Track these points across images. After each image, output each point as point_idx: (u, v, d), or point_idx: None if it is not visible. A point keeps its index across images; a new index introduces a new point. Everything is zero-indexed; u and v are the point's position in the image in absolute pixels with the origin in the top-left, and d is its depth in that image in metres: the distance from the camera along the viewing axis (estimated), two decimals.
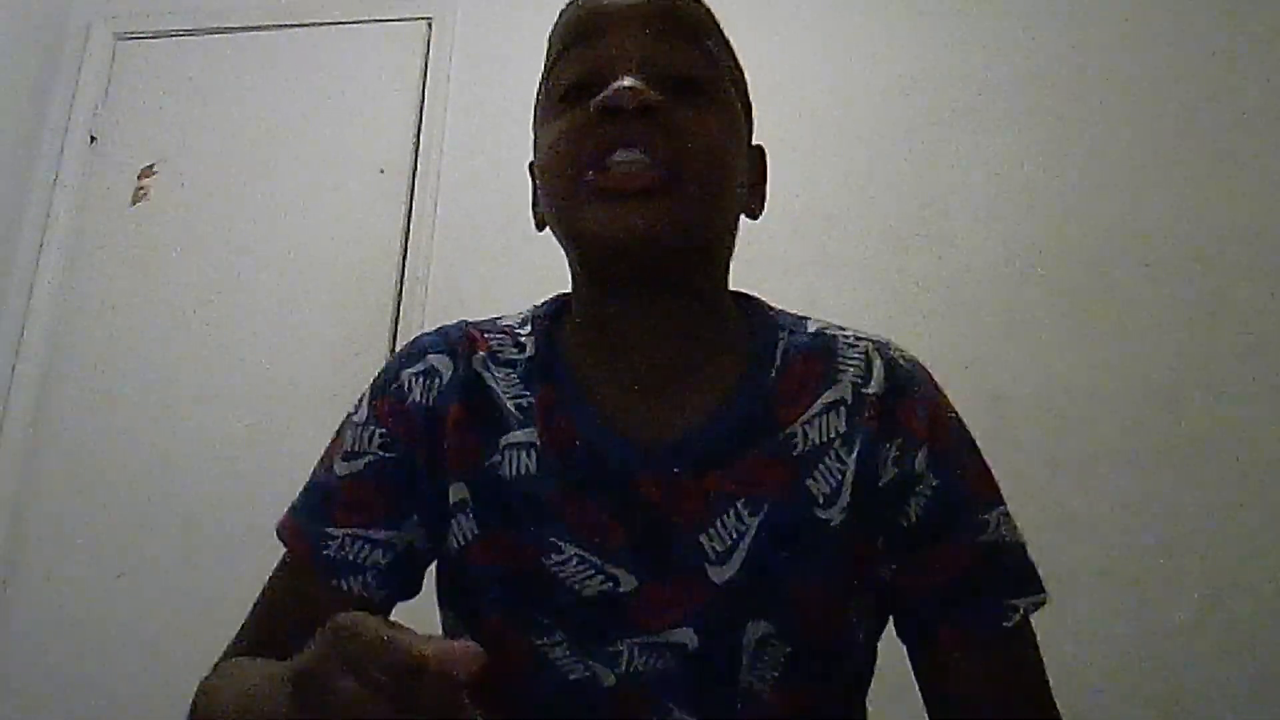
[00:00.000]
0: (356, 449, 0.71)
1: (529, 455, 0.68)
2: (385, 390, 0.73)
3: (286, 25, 2.43)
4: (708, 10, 0.70)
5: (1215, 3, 2.02)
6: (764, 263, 2.15)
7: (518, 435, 0.69)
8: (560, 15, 0.69)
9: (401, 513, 0.70)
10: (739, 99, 0.71)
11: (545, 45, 0.70)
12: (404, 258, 2.21)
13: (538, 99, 0.71)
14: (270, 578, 0.74)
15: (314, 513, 0.72)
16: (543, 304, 0.77)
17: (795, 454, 0.67)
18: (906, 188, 2.04)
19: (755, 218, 0.73)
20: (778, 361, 0.71)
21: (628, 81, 0.61)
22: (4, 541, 2.17)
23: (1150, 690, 1.70)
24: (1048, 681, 0.70)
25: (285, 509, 0.76)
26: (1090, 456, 1.82)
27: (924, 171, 2.04)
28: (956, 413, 0.75)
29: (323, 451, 0.75)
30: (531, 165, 0.72)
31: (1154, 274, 1.89)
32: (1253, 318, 1.84)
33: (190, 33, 2.48)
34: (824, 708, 0.68)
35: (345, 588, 0.68)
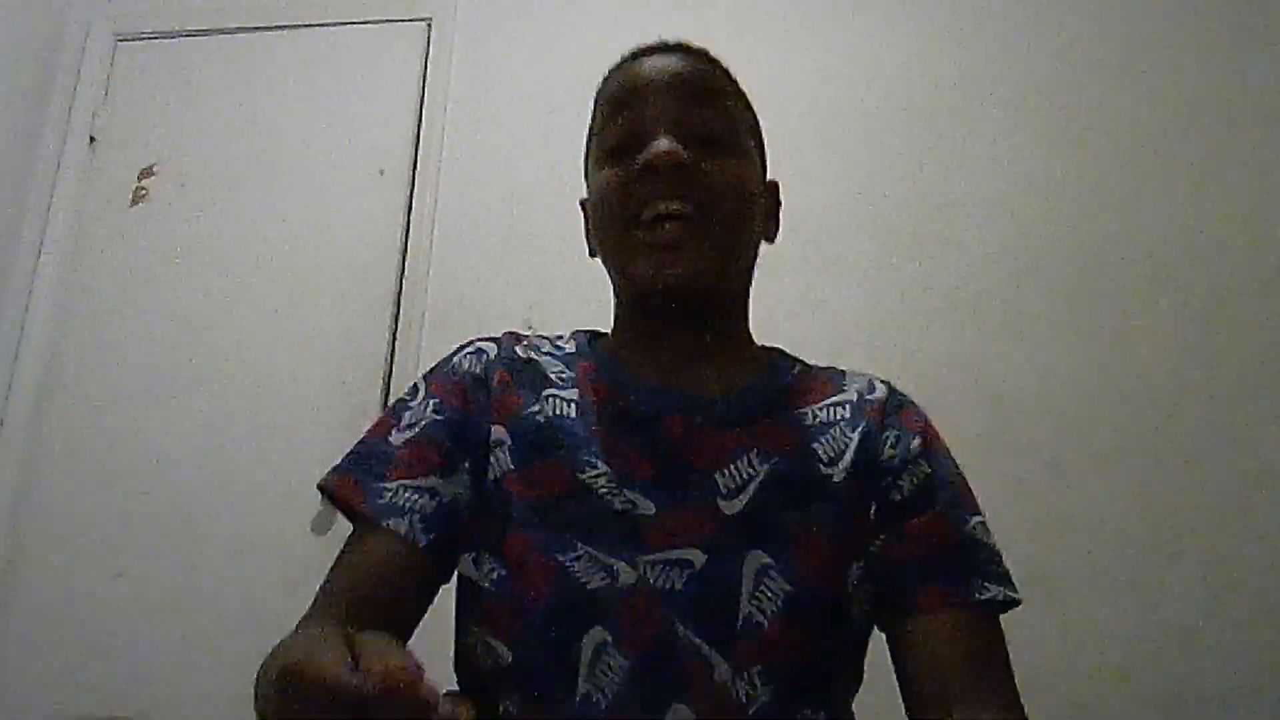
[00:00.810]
0: (413, 420, 0.79)
1: (569, 405, 0.79)
2: (439, 370, 0.84)
3: (286, 25, 2.43)
4: (728, 75, 0.84)
5: (1215, 3, 2.02)
6: (764, 263, 2.15)
7: (560, 392, 0.81)
8: (604, 81, 0.84)
9: (451, 466, 0.77)
10: (755, 147, 0.84)
11: (592, 103, 0.85)
12: (404, 258, 2.21)
13: (588, 150, 0.84)
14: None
15: (366, 469, 0.78)
16: (576, 330, 0.90)
17: (805, 425, 0.79)
18: (906, 188, 2.04)
19: (772, 242, 0.87)
20: (793, 373, 0.85)
21: (663, 144, 0.75)
22: (4, 541, 2.17)
23: (1150, 690, 1.70)
24: (1013, 674, 0.74)
25: (329, 471, 0.80)
26: (1090, 456, 1.82)
27: (924, 171, 2.04)
28: (943, 440, 0.83)
29: (367, 429, 0.82)
30: (583, 203, 0.86)
31: (1154, 274, 1.89)
32: (1253, 318, 1.84)
33: (190, 33, 2.48)
34: (816, 660, 0.73)
35: (392, 525, 0.73)
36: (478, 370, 0.82)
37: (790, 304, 1.97)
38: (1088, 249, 1.93)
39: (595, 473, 0.75)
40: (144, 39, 2.50)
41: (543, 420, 0.78)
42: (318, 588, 0.76)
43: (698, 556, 0.72)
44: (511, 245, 2.16)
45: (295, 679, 0.42)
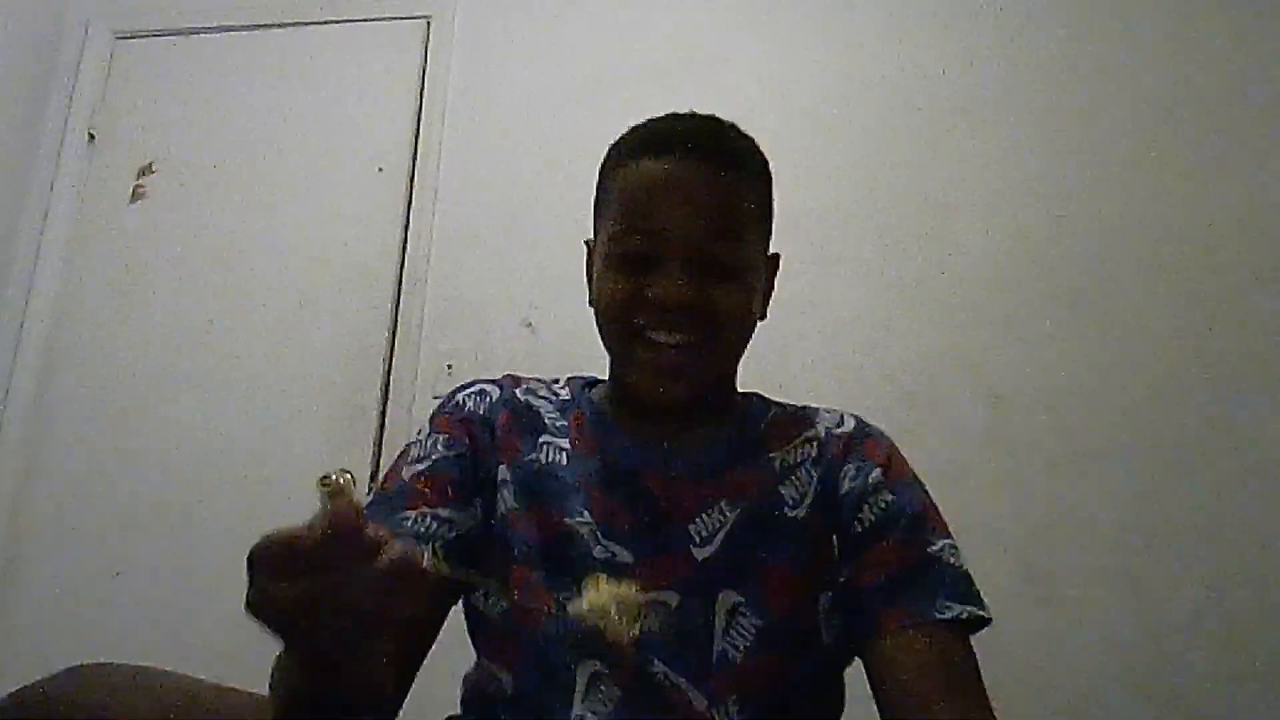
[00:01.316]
0: (422, 454, 0.84)
1: (560, 454, 0.85)
2: (444, 409, 0.88)
3: (286, 23, 2.43)
4: (752, 171, 0.83)
5: (1216, 3, 2.02)
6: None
7: (553, 439, 0.86)
8: (623, 164, 0.83)
9: (465, 497, 0.82)
10: (763, 241, 0.85)
11: (602, 177, 0.85)
12: (403, 258, 2.20)
13: (598, 211, 0.86)
14: None
15: (384, 505, 0.81)
16: (571, 377, 0.94)
17: (773, 470, 0.83)
18: (907, 187, 2.03)
19: (763, 320, 0.87)
20: (767, 418, 0.89)
21: (671, 285, 0.77)
22: (4, 541, 2.17)
23: (1150, 688, 1.70)
24: (983, 687, 0.76)
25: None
26: (1089, 455, 1.82)
27: (924, 171, 2.04)
28: (912, 470, 0.86)
29: (380, 481, 0.87)
30: (589, 243, 0.88)
31: (1154, 274, 1.89)
32: (1253, 318, 1.84)
33: (190, 32, 2.48)
34: (790, 686, 0.77)
35: None
36: (482, 410, 0.87)
37: (790, 303, 1.96)
38: (1088, 249, 1.93)
39: (581, 520, 0.80)
40: (143, 37, 2.50)
41: (537, 467, 0.84)
42: None
43: (672, 597, 0.77)
44: (511, 244, 2.15)
45: (253, 555, 0.46)
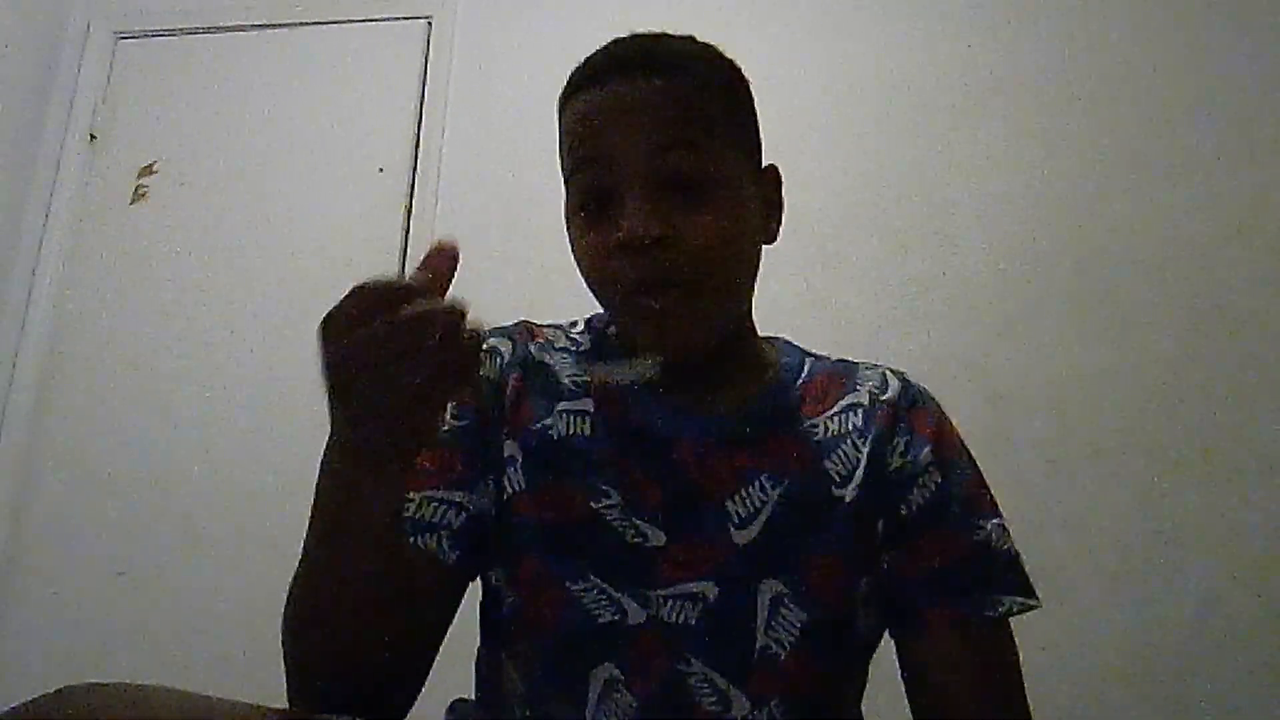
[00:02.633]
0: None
1: (583, 420, 0.76)
2: None
3: (286, 24, 2.43)
4: (704, 76, 0.74)
5: (1216, 2, 2.02)
6: (764, 263, 2.15)
7: (573, 404, 0.77)
8: (565, 102, 0.74)
9: (474, 475, 0.74)
10: (745, 155, 0.75)
11: (555, 102, 0.76)
12: (404, 258, 2.21)
13: (565, 172, 0.75)
14: None
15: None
16: (592, 315, 0.84)
17: (816, 440, 0.76)
18: (906, 188, 2.03)
19: (772, 242, 0.78)
20: (804, 374, 0.80)
21: (635, 219, 0.68)
22: (4, 541, 2.17)
23: (1150, 688, 1.70)
24: (1023, 684, 0.72)
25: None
26: (1090, 455, 1.82)
27: (924, 171, 2.04)
28: (961, 437, 0.81)
29: None
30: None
31: (1154, 274, 1.89)
32: (1253, 318, 1.84)
33: (190, 32, 2.47)
34: (832, 682, 0.72)
35: (421, 544, 0.71)
36: (493, 375, 0.78)
37: (791, 303, 1.97)
38: (1088, 249, 1.93)
39: (608, 503, 0.73)
40: (144, 37, 2.50)
41: (555, 438, 0.75)
42: None
43: (710, 589, 0.71)
44: (511, 244, 2.15)
45: (332, 313, 0.50)
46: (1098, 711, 1.70)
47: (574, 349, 0.81)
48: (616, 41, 0.77)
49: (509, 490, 0.74)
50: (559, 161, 0.78)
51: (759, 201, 0.77)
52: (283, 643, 0.65)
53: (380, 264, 2.22)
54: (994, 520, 0.77)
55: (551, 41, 2.27)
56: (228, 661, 1.91)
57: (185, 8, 2.49)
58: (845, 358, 0.84)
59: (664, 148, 0.69)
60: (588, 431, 0.75)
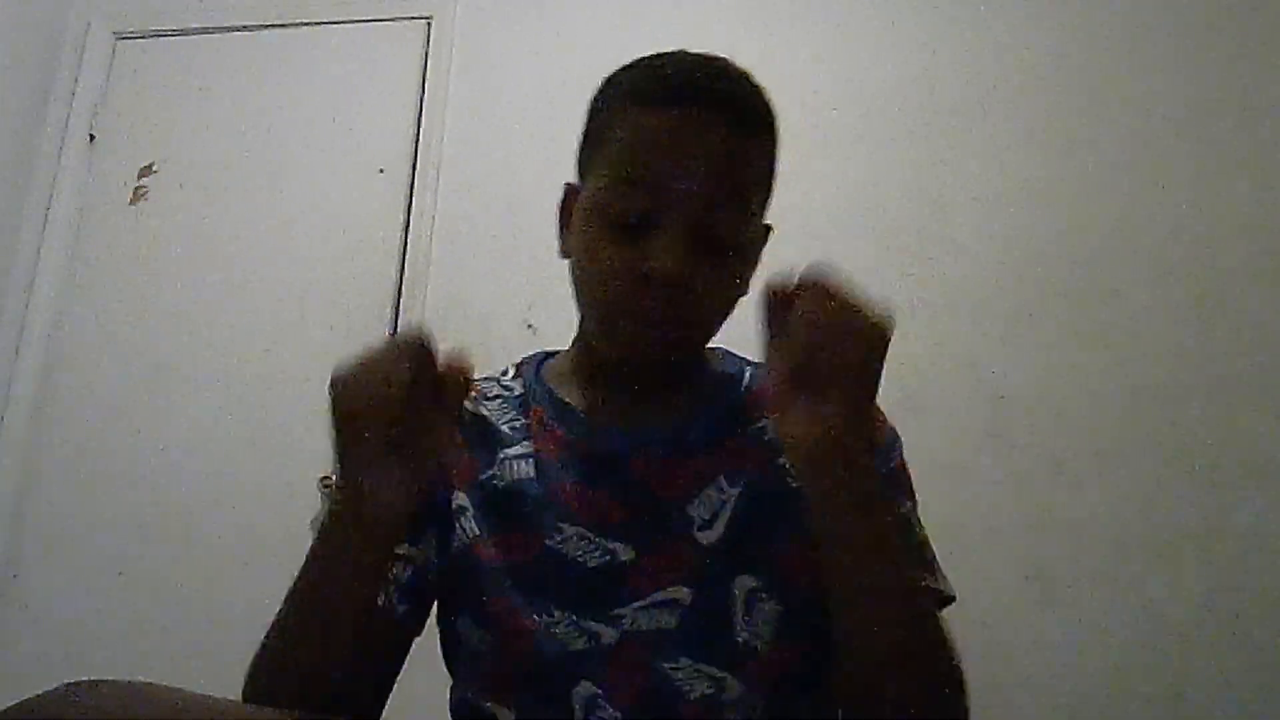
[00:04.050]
0: None
1: (527, 463, 0.77)
2: None
3: (286, 25, 2.43)
4: (765, 142, 0.75)
5: (1216, 3, 2.02)
6: (764, 263, 2.15)
7: (514, 450, 0.78)
8: (624, 101, 0.74)
9: (419, 532, 0.76)
10: (765, 209, 0.78)
11: (602, 97, 0.78)
12: (404, 258, 2.20)
13: (588, 155, 0.77)
14: None
15: None
16: (523, 360, 0.87)
17: (767, 439, 0.77)
18: (907, 188, 2.03)
19: (744, 295, 0.78)
20: (746, 380, 0.82)
21: (668, 258, 0.69)
22: (4, 541, 2.17)
23: (1151, 689, 1.70)
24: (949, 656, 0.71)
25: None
26: (1091, 456, 1.82)
27: (924, 171, 2.04)
28: (893, 425, 0.82)
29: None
30: (570, 189, 0.80)
31: (1154, 274, 1.89)
32: (1253, 318, 1.84)
33: (190, 33, 2.47)
34: (812, 669, 0.73)
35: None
36: None
37: None
38: (1088, 249, 1.93)
39: (563, 536, 0.74)
40: (143, 37, 2.50)
41: (502, 485, 0.77)
42: None
43: (684, 594, 0.72)
44: (511, 244, 2.15)
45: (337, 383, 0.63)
46: (1098, 711, 1.70)
47: (508, 394, 0.82)
48: (686, 58, 0.76)
49: (465, 537, 0.76)
50: (582, 148, 0.78)
51: (756, 257, 0.79)
52: (247, 688, 0.70)
53: (380, 264, 2.22)
54: (909, 504, 0.79)
55: (551, 41, 2.27)
56: (228, 662, 1.90)
57: (185, 8, 2.49)
58: None
59: (715, 201, 0.71)
60: (531, 473, 0.77)
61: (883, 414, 0.81)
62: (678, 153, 0.70)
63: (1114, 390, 1.85)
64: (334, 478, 0.76)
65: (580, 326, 0.82)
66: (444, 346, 0.65)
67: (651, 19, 2.20)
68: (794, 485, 0.74)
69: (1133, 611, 1.73)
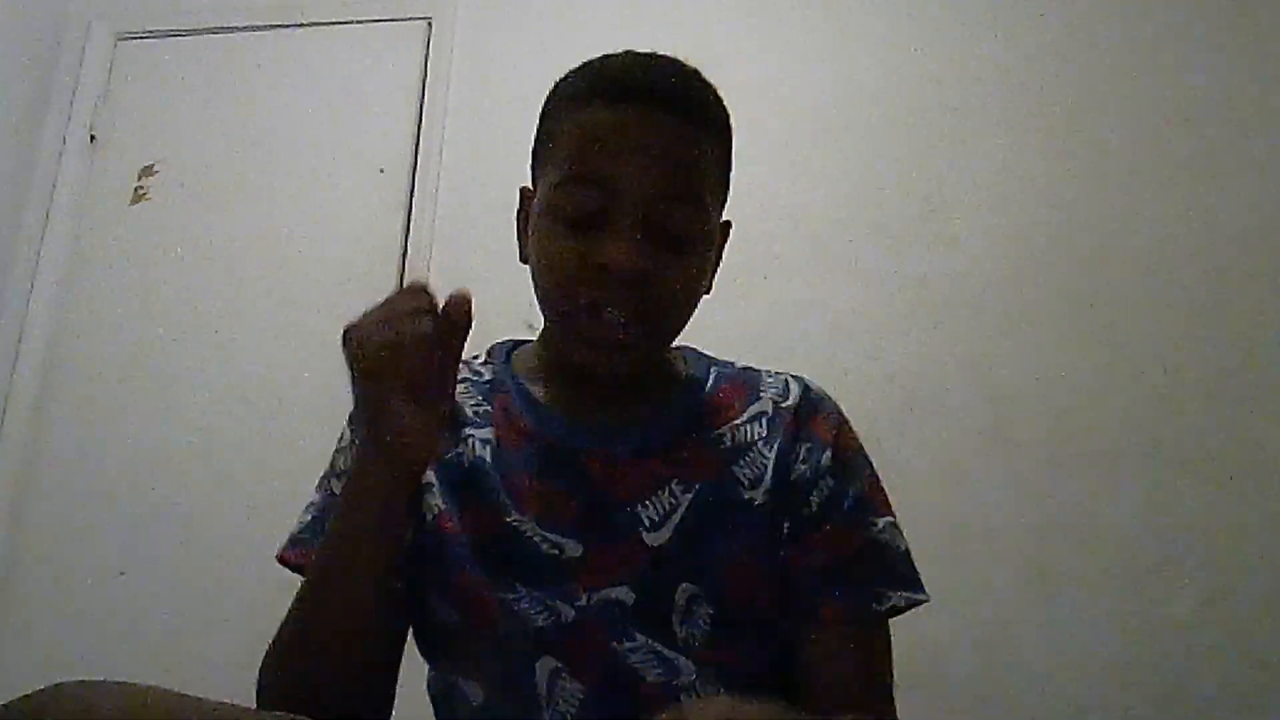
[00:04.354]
0: (346, 466, 0.80)
1: (484, 448, 0.78)
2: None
3: (286, 25, 2.43)
4: (716, 138, 0.76)
5: (1216, 3, 2.02)
6: (764, 263, 2.15)
7: (476, 432, 0.79)
8: (571, 101, 0.76)
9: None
10: (721, 205, 0.79)
11: (544, 107, 0.80)
12: (404, 258, 2.20)
13: (539, 156, 0.80)
14: None
15: (315, 530, 0.80)
16: (494, 345, 0.88)
17: (724, 447, 0.78)
18: (907, 187, 2.03)
19: (708, 294, 0.80)
20: (709, 384, 0.83)
21: (623, 250, 0.70)
22: (4, 541, 2.17)
23: (1150, 688, 1.70)
24: (893, 673, 0.77)
25: (284, 537, 0.83)
26: (1091, 456, 1.82)
27: (924, 171, 2.04)
28: (859, 439, 0.83)
29: (316, 482, 0.83)
30: (524, 193, 0.84)
31: (1154, 274, 1.89)
32: (1253, 318, 1.84)
33: (190, 33, 2.47)
34: (757, 671, 0.75)
35: None
36: None
37: (790, 304, 1.96)
38: (1088, 249, 1.93)
39: (518, 517, 0.75)
40: (144, 38, 2.50)
41: (465, 463, 0.78)
42: None
43: (627, 595, 0.73)
44: (511, 245, 2.14)
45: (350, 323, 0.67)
46: (1098, 712, 1.70)
47: (476, 379, 0.83)
48: (635, 57, 0.78)
49: (432, 511, 0.77)
50: (534, 152, 0.81)
51: (716, 254, 0.80)
52: (264, 677, 0.71)
53: (380, 264, 2.22)
54: (887, 519, 0.79)
55: (551, 42, 2.27)
56: (227, 662, 1.90)
57: (185, 8, 2.49)
58: (750, 365, 0.86)
59: (667, 195, 0.72)
60: (488, 459, 0.78)
61: (853, 433, 0.82)
62: (627, 148, 0.71)
63: (1114, 390, 1.85)
64: (351, 434, 0.81)
65: (543, 331, 0.84)
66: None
67: (651, 19, 2.20)
68: (746, 495, 0.76)
69: (1134, 612, 1.73)
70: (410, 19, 2.37)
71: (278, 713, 0.63)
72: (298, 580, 0.74)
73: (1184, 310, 1.86)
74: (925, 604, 0.77)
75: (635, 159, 0.71)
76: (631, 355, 0.75)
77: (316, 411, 2.16)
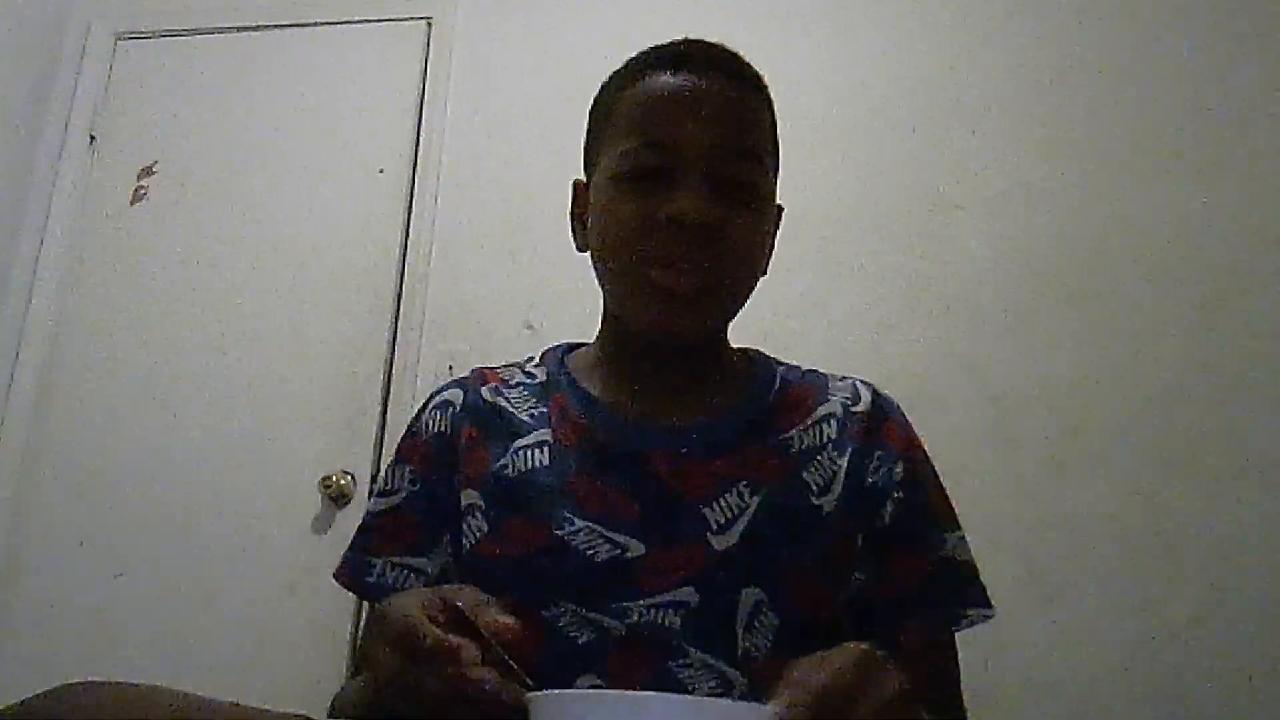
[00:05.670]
0: (390, 487, 0.81)
1: (541, 451, 0.77)
2: (410, 433, 0.83)
3: (286, 25, 2.43)
4: (763, 93, 0.79)
5: (1215, 3, 2.02)
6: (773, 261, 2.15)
7: (529, 438, 0.78)
8: (635, 78, 0.78)
9: (434, 539, 0.78)
10: (775, 173, 0.80)
11: (603, 97, 0.81)
12: (404, 258, 2.20)
13: (597, 139, 0.80)
14: None
15: (357, 546, 0.81)
16: (549, 348, 0.87)
17: (792, 451, 0.77)
18: (907, 187, 2.03)
19: (764, 276, 0.81)
20: (776, 384, 0.82)
21: (695, 201, 0.71)
22: (4, 541, 2.17)
23: (1150, 690, 1.70)
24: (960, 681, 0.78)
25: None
26: (1090, 456, 1.82)
27: (925, 171, 2.04)
28: (924, 446, 0.84)
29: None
30: (579, 186, 0.83)
31: (1154, 274, 1.89)
32: (1253, 318, 1.84)
33: (190, 33, 2.47)
34: None
35: None
36: (444, 428, 0.80)
37: (791, 304, 1.97)
38: (1088, 249, 1.93)
39: (572, 528, 0.73)
40: (144, 38, 2.50)
41: (513, 475, 0.76)
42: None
43: (691, 596, 0.71)
44: (511, 245, 2.15)
45: (392, 629, 0.55)
46: (1098, 712, 1.70)
47: (530, 382, 0.83)
48: (687, 40, 0.81)
49: (471, 539, 0.76)
50: (589, 142, 0.81)
51: (774, 228, 0.81)
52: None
53: (380, 264, 2.22)
54: (956, 533, 0.79)
55: (551, 42, 2.27)
56: (228, 662, 1.91)
57: (185, 8, 2.49)
58: (815, 368, 0.86)
59: (730, 148, 0.74)
60: (545, 461, 0.76)
61: (920, 441, 0.83)
62: (688, 108, 0.74)
63: (1113, 390, 1.85)
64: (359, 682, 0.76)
65: (606, 314, 0.83)
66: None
67: (652, 19, 2.20)
68: (815, 502, 0.75)
69: (1134, 611, 1.73)
70: (410, 19, 2.37)
71: (280, 710, 0.63)
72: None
73: (1184, 310, 1.86)
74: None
75: (697, 117, 0.73)
76: (700, 310, 0.75)
77: (316, 411, 2.16)
